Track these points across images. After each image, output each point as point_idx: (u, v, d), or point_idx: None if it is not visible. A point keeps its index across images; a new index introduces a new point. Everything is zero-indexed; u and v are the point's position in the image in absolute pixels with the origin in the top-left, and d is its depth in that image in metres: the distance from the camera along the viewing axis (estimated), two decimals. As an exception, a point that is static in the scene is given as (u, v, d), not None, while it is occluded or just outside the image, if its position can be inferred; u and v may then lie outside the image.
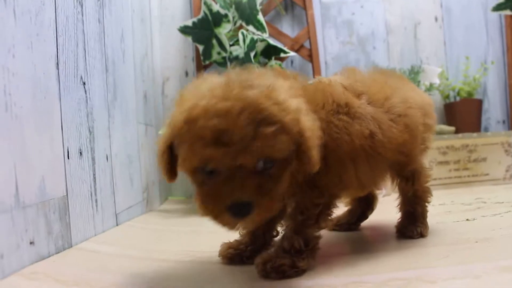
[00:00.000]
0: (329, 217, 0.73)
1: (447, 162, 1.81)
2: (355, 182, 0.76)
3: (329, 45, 2.09)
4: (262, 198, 0.57)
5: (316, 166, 0.62)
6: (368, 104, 0.76)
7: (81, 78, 0.99)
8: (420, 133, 0.87)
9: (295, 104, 0.60)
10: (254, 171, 0.57)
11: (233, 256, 0.77)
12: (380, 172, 0.83)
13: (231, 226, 0.60)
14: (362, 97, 0.77)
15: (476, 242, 0.82)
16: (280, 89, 0.60)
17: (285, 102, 0.58)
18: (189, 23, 1.69)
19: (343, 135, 0.71)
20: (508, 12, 1.94)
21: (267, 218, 0.61)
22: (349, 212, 1.03)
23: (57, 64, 0.87)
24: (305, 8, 1.98)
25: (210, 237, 1.03)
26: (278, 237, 0.76)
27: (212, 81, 0.60)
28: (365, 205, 1.03)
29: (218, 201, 0.57)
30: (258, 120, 0.54)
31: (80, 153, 0.95)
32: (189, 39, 1.70)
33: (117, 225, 1.15)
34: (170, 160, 0.62)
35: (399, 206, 0.94)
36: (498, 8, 1.95)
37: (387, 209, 1.00)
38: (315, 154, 0.61)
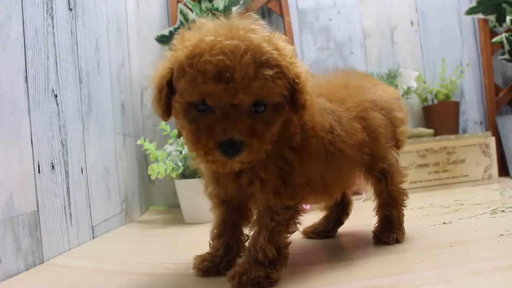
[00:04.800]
0: (298, 222, 0.73)
1: (426, 165, 1.82)
2: (321, 184, 0.76)
3: (306, 51, 2.10)
4: (253, 139, 0.59)
5: (309, 111, 0.66)
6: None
7: (53, 91, 0.97)
8: (383, 134, 0.87)
9: (290, 50, 0.64)
10: (247, 113, 0.60)
11: (209, 268, 0.76)
12: (344, 172, 0.83)
13: (220, 164, 0.62)
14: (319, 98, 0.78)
15: (451, 246, 0.83)
16: (278, 37, 0.64)
17: (283, 48, 0.62)
18: (165, 32, 1.69)
19: (316, 124, 0.72)
20: (480, 15, 1.98)
21: (253, 162, 0.63)
22: (325, 219, 1.03)
23: (26, 77, 0.86)
24: (282, 15, 1.99)
25: (188, 247, 1.03)
26: (248, 242, 0.75)
27: (215, 23, 0.63)
28: (340, 210, 1.03)
29: (210, 137, 0.59)
30: (260, 62, 0.58)
31: (52, 167, 0.94)
32: (167, 47, 1.70)
33: (93, 238, 1.14)
34: (168, 97, 0.64)
35: (376, 210, 0.94)
36: (471, 11, 1.99)
37: (366, 214, 1.00)
38: (308, 98, 0.64)
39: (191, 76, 0.58)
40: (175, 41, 0.65)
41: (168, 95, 0.64)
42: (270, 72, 0.58)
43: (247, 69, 0.57)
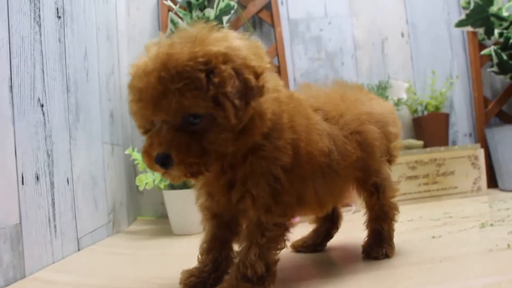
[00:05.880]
0: (286, 239, 0.72)
1: (416, 177, 1.82)
2: (314, 200, 0.77)
3: (297, 61, 2.10)
4: (178, 152, 0.59)
5: (236, 118, 0.60)
6: (324, 120, 0.78)
7: (39, 100, 0.95)
8: (378, 147, 0.87)
9: (217, 49, 0.59)
10: (178, 126, 0.61)
11: (196, 284, 0.74)
12: (338, 189, 0.84)
13: (167, 176, 0.64)
14: (318, 113, 0.78)
15: (440, 261, 0.82)
16: (209, 40, 0.61)
17: (205, 55, 0.59)
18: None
19: (314, 150, 0.72)
20: (469, 28, 2.00)
21: (198, 174, 0.62)
22: (314, 232, 1.02)
23: (11, 87, 0.84)
24: (273, 25, 1.99)
25: (177, 261, 1.01)
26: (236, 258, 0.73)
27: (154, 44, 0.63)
28: (329, 223, 1.02)
29: (149, 153, 0.61)
30: (170, 76, 0.57)
31: (37, 178, 0.92)
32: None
33: (78, 250, 1.11)
34: None
35: (366, 224, 0.94)
36: (460, 24, 2.00)
37: (355, 227, 0.99)
38: (236, 102, 0.59)
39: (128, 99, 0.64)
40: None
41: None
42: (178, 85, 0.57)
43: (155, 87, 0.58)
